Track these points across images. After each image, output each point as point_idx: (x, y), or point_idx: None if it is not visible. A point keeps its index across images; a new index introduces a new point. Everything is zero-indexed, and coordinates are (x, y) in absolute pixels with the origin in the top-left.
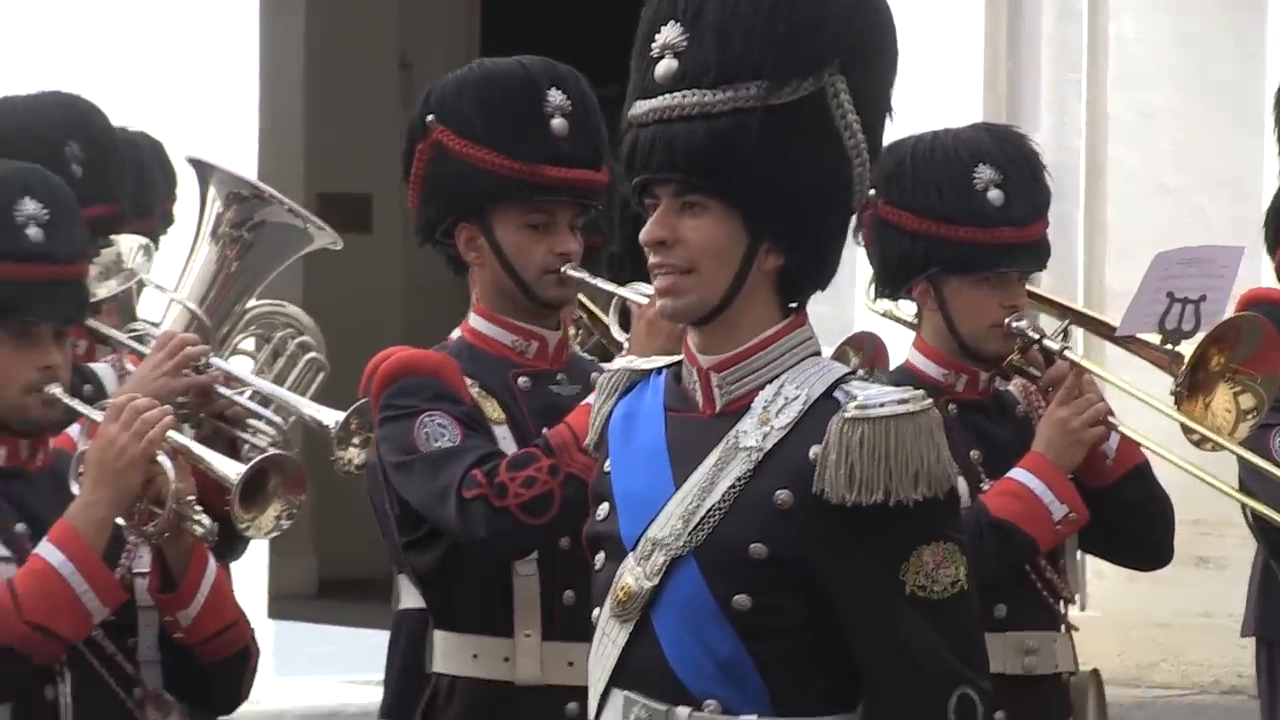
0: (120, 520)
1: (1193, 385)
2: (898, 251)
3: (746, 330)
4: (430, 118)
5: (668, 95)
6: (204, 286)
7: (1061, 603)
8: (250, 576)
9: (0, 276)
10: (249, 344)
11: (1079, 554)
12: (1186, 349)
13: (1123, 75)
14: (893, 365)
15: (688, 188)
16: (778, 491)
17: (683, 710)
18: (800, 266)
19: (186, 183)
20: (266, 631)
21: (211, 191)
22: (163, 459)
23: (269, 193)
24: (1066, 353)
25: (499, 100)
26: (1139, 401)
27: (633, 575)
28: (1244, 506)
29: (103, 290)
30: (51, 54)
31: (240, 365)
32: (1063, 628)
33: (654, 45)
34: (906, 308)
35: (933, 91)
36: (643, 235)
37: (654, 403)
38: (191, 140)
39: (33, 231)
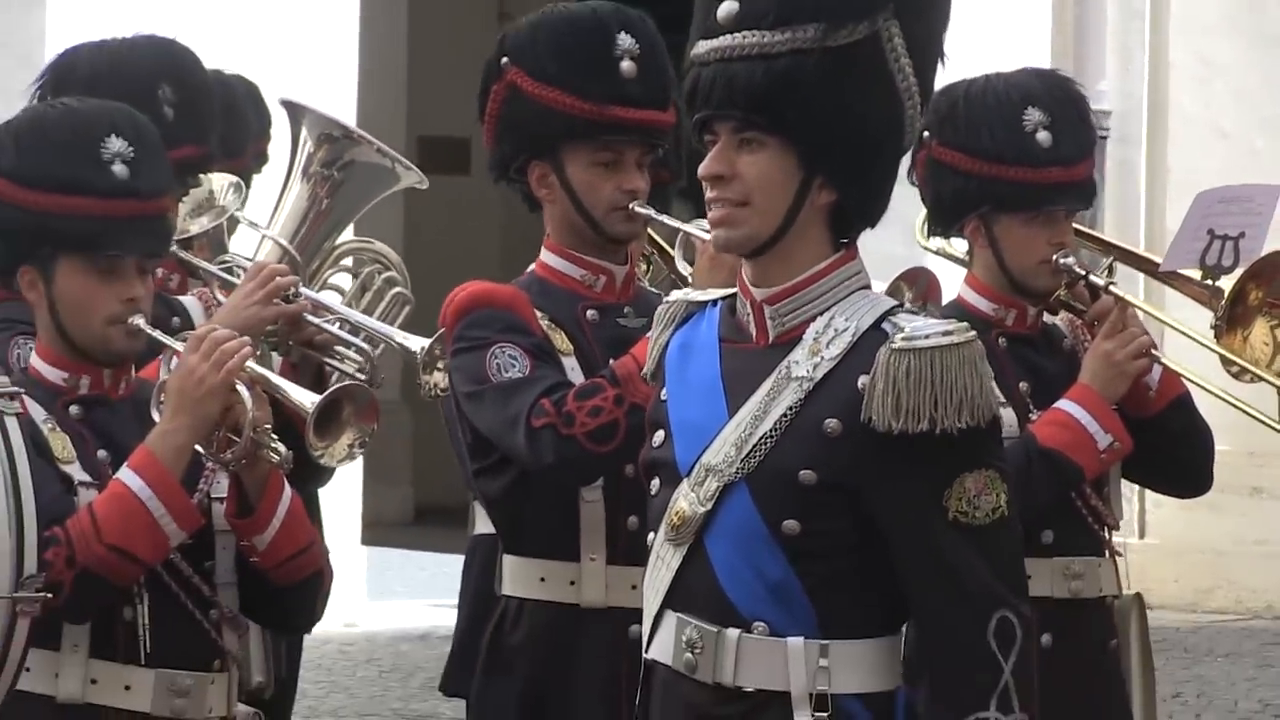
0: (199, 447)
1: (1232, 319)
2: (950, 190)
3: (799, 264)
4: (505, 60)
5: (728, 35)
6: (295, 223)
7: (1106, 529)
8: (345, 505)
9: (86, 211)
10: (339, 279)
11: (1136, 487)
12: (1226, 284)
13: (1184, 24)
14: (945, 301)
15: (746, 124)
16: (827, 420)
17: (732, 632)
18: (852, 202)
19: (281, 124)
20: (360, 558)
21: (303, 132)
22: (241, 389)
23: (358, 133)
24: (1111, 288)
25: (570, 44)
26: (1182, 336)
27: (687, 500)
28: None
29: (195, 226)
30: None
31: (330, 299)
32: (1107, 553)
33: None
34: (959, 245)
35: (1002, 40)
36: (701, 169)
37: (709, 334)
38: (294, 85)
39: (118, 168)
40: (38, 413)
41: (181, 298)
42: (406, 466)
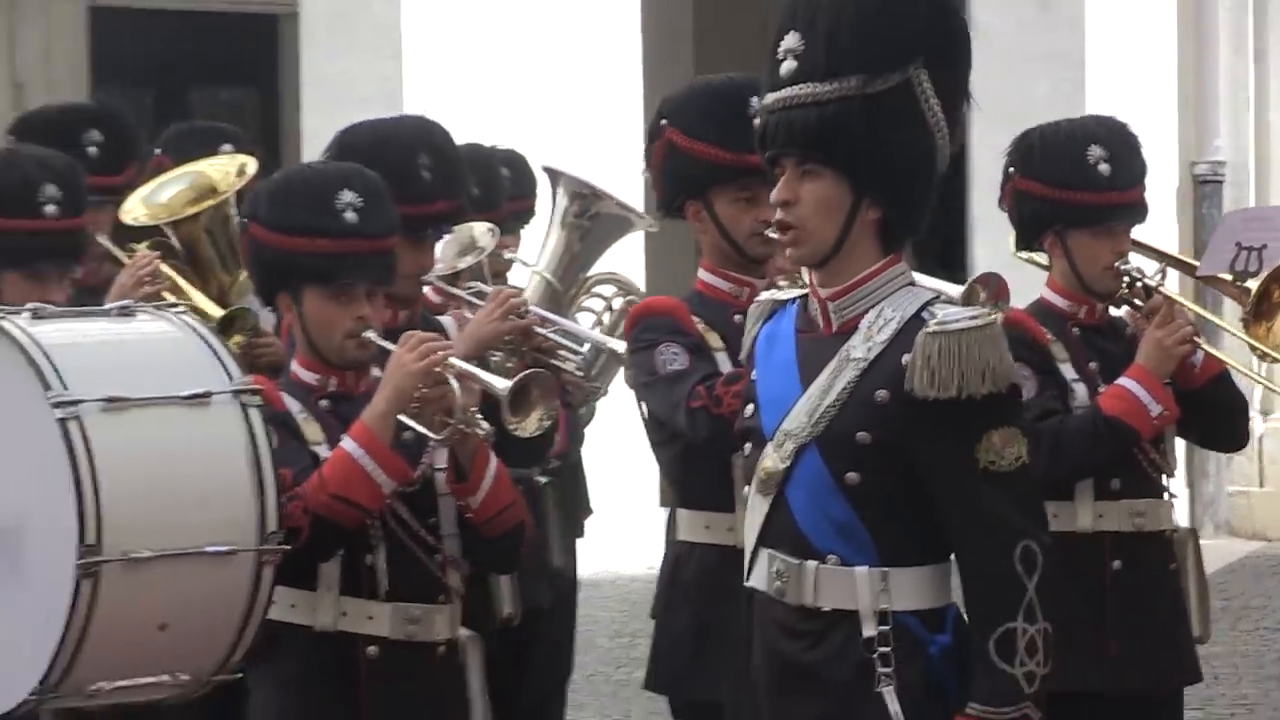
0: (422, 428)
1: (1258, 313)
2: (1031, 213)
3: (855, 268)
4: (663, 121)
5: (789, 88)
6: (556, 261)
7: (1163, 476)
8: (647, 475)
9: (324, 250)
10: (592, 303)
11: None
12: (1253, 285)
13: None
14: (1025, 302)
15: (805, 159)
16: (878, 391)
17: (811, 563)
18: (894, 217)
19: (545, 185)
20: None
21: (560, 191)
22: (452, 381)
23: (602, 190)
24: (1162, 288)
25: (715, 106)
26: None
27: (771, 459)
28: None
29: (461, 263)
30: (474, 91)
31: (584, 319)
32: (1165, 495)
33: (779, 50)
34: (1041, 256)
35: (1140, 111)
36: (772, 196)
37: (788, 326)
38: (583, 146)
39: (349, 215)
40: (294, 406)
41: (441, 317)
42: None
